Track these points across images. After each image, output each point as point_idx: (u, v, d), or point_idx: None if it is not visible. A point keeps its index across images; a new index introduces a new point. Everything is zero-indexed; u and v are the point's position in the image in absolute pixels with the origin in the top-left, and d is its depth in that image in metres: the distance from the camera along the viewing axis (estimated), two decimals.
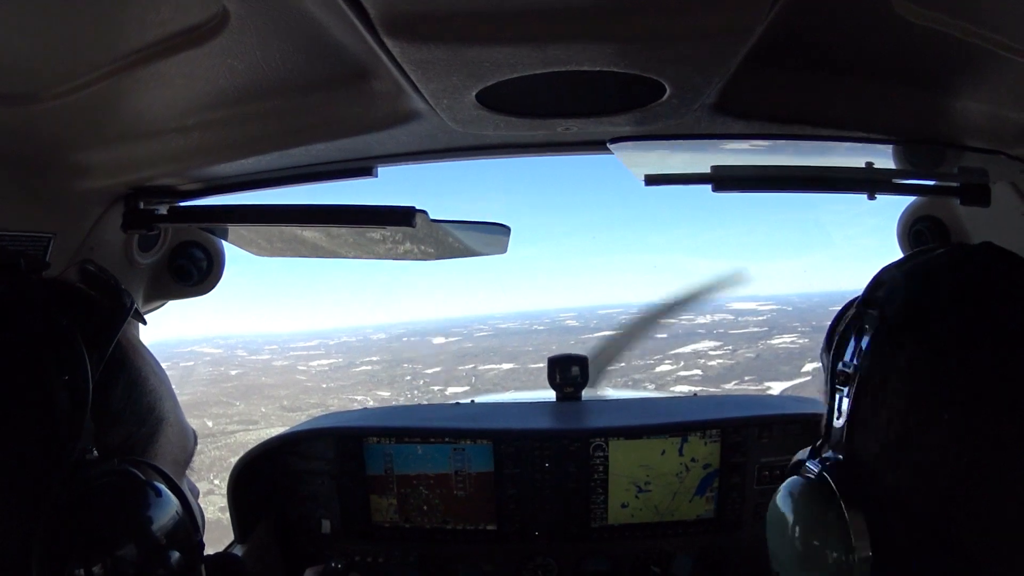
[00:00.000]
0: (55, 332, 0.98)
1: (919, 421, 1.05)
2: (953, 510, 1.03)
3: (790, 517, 1.17)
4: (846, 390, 1.13)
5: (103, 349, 1.03)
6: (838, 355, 1.17)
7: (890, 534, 1.06)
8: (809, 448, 1.21)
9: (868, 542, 1.05)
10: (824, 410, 1.19)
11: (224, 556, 2.67)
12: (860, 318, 1.15)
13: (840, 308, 1.28)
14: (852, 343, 1.15)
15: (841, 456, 1.13)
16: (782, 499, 1.20)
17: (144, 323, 1.25)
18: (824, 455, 1.16)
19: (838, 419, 1.14)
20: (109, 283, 1.16)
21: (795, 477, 1.19)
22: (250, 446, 3.32)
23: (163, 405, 1.14)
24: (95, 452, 0.96)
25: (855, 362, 1.13)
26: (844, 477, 1.10)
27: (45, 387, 0.94)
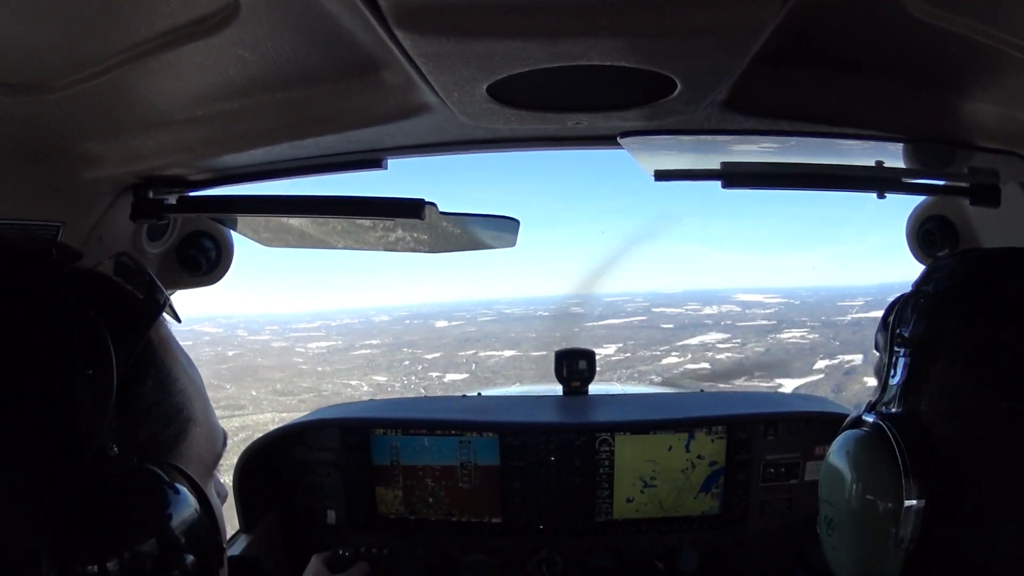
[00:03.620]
0: (82, 325, 0.96)
1: (962, 379, 1.14)
2: (997, 465, 1.10)
3: (846, 468, 1.24)
4: (901, 351, 1.22)
5: (132, 345, 1.01)
6: (897, 323, 1.26)
7: (941, 485, 1.12)
8: (864, 405, 1.29)
9: (920, 490, 1.11)
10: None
11: (247, 560, 2.67)
12: (917, 294, 1.27)
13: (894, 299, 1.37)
14: (910, 314, 1.25)
15: (893, 411, 1.22)
16: (838, 451, 1.27)
17: (179, 320, 1.23)
18: (880, 410, 1.24)
19: (893, 379, 1.24)
20: (144, 278, 1.13)
21: (852, 431, 1.26)
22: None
23: (192, 406, 1.12)
24: (115, 449, 0.94)
25: (911, 328, 1.23)
26: (900, 427, 1.16)
27: (68, 380, 0.93)
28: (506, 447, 3.28)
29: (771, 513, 3.33)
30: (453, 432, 3.29)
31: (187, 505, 1.00)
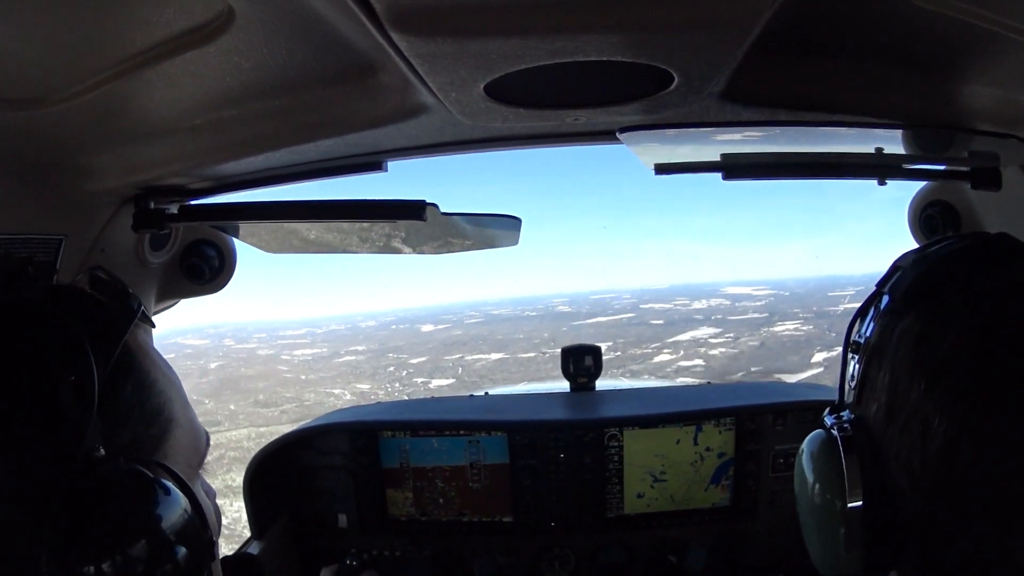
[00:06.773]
0: (62, 335, 0.99)
1: (904, 387, 1.11)
2: (937, 474, 1.07)
3: (803, 465, 1.29)
4: (857, 357, 1.24)
5: (110, 351, 1.05)
6: (852, 327, 1.28)
7: (883, 487, 1.13)
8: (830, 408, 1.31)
9: (860, 491, 1.13)
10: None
11: (241, 557, 2.69)
12: (875, 296, 1.25)
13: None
14: (866, 317, 1.25)
15: (852, 415, 1.24)
16: (802, 451, 1.32)
17: (153, 326, 1.27)
18: (839, 413, 1.27)
19: (851, 383, 1.26)
20: (117, 287, 1.17)
21: (814, 432, 1.30)
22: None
23: (172, 407, 1.15)
24: (101, 451, 0.97)
25: (865, 333, 1.23)
26: (848, 430, 1.19)
27: (52, 386, 0.95)
28: (515, 445, 3.29)
29: (781, 504, 3.33)
30: (462, 432, 3.30)
31: (177, 502, 1.03)
